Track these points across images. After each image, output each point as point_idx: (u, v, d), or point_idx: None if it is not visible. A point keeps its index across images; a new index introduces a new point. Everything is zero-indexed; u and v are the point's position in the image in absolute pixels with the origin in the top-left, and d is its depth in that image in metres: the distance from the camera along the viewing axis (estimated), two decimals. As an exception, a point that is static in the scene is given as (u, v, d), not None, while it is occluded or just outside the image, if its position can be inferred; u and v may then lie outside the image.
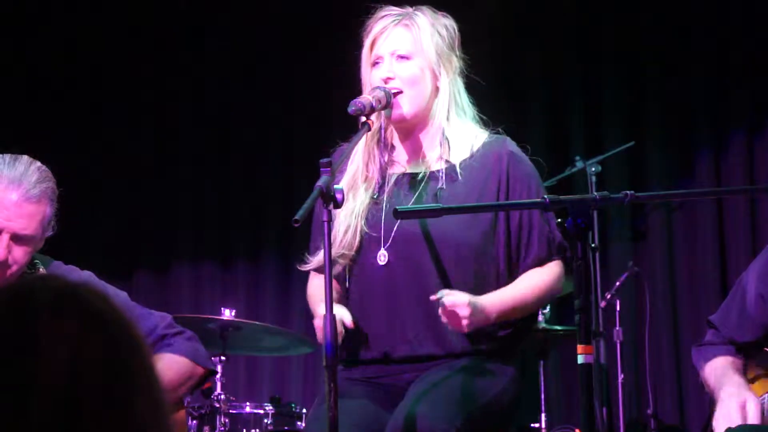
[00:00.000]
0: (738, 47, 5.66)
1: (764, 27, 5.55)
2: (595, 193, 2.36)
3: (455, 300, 2.73)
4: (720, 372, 3.08)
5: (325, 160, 2.62)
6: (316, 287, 3.01)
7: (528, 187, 2.95)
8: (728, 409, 2.90)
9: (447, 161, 2.94)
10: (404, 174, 2.99)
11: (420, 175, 2.96)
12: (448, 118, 2.97)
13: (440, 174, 2.93)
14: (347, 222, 2.91)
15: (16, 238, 2.91)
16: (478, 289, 2.84)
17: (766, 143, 5.59)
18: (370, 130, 2.88)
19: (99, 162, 6.42)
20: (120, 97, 6.46)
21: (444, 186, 2.92)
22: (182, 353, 3.07)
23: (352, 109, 2.85)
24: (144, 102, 6.48)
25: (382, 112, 2.90)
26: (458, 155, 2.95)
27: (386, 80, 2.92)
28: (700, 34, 5.75)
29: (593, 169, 5.09)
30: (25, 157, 2.97)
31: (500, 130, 3.04)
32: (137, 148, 6.46)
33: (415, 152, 3.00)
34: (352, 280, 2.97)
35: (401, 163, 3.01)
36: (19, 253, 2.93)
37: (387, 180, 2.97)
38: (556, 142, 5.89)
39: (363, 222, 2.93)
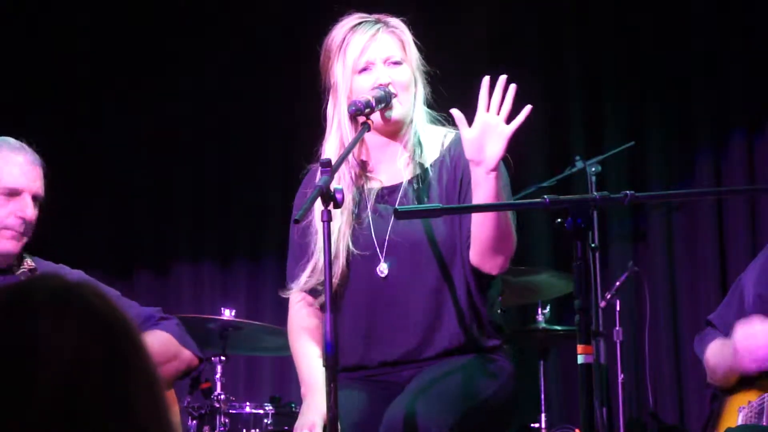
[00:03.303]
0: (738, 47, 5.66)
1: (764, 27, 5.55)
2: (595, 193, 2.37)
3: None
4: (723, 343, 3.08)
5: (324, 159, 2.62)
6: (298, 334, 3.00)
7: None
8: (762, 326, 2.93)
9: (421, 165, 2.96)
10: (382, 188, 2.98)
11: (399, 186, 2.96)
12: (423, 122, 3.00)
13: (417, 180, 2.95)
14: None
15: (35, 199, 3.01)
16: (447, 276, 2.89)
17: (766, 143, 5.58)
18: (369, 130, 2.88)
19: (99, 161, 6.42)
20: (120, 96, 6.45)
21: (422, 189, 2.93)
22: (168, 331, 3.11)
23: (352, 109, 2.86)
24: (144, 101, 6.47)
25: (373, 116, 2.90)
26: (430, 157, 2.98)
27: (386, 85, 2.92)
28: (700, 34, 5.74)
29: (593, 169, 5.07)
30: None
31: None
32: (137, 148, 6.46)
33: (389, 162, 2.99)
34: (346, 296, 2.95)
35: (376, 177, 3.00)
36: (35, 215, 3.01)
37: (367, 196, 2.98)
38: (556, 142, 5.88)
39: (350, 241, 2.92)
